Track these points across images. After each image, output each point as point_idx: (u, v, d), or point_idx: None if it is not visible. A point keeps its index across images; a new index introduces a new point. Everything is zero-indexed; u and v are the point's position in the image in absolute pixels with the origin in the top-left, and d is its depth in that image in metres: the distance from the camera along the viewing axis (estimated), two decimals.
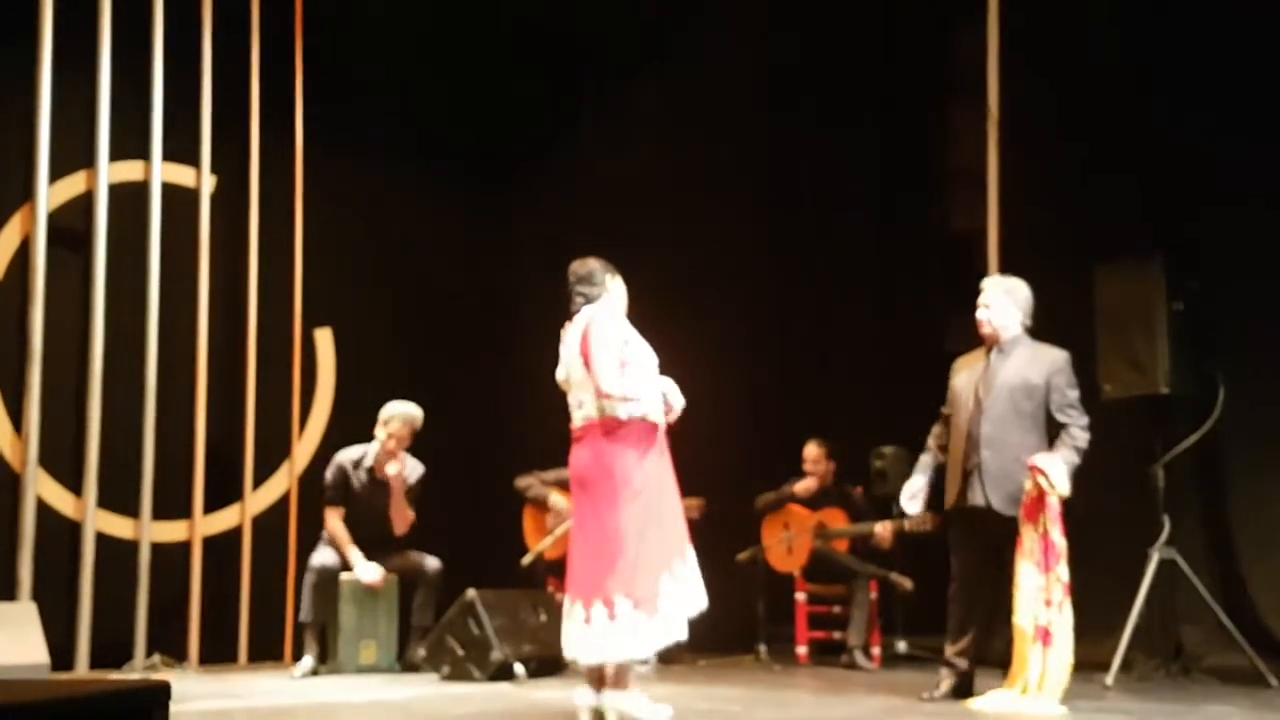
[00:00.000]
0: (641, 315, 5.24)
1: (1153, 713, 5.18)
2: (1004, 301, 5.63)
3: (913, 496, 5.83)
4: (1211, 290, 6.53)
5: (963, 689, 5.57)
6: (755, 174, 8.71)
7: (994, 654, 7.13)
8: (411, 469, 7.21)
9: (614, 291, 5.13)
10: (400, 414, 7.11)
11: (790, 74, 8.69)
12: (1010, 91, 7.64)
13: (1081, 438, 5.41)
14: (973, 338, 5.83)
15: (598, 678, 4.88)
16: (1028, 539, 5.25)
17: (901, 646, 7.72)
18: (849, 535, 7.62)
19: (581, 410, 4.97)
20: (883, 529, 7.38)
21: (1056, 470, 5.23)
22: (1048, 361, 5.53)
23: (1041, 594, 5.19)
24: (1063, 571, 5.20)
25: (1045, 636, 5.18)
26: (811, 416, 8.05)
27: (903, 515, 7.41)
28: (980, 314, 5.66)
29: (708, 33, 8.80)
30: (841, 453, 7.79)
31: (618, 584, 4.76)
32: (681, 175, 8.65)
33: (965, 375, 5.75)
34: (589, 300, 5.09)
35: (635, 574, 4.77)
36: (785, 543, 7.65)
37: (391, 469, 7.02)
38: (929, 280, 9.00)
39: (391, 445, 7.12)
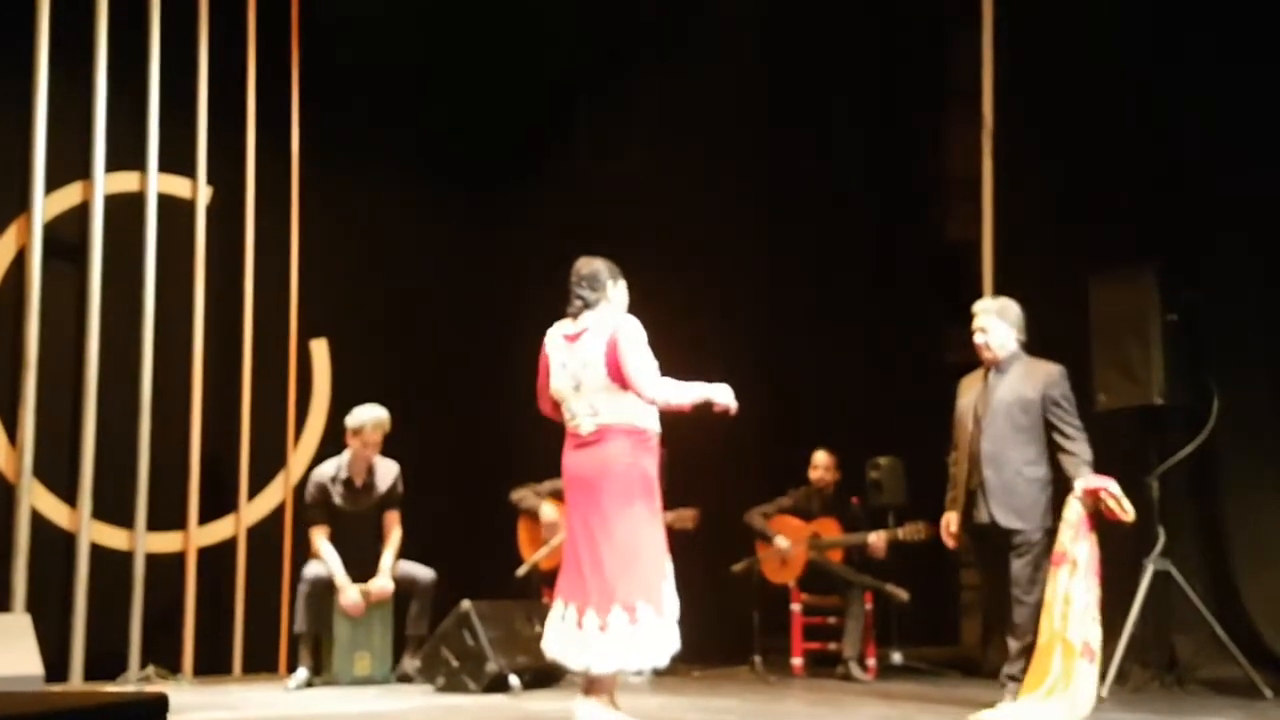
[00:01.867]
0: (646, 330, 5.26)
1: None
2: (997, 324, 5.71)
3: (953, 537, 5.85)
4: (1207, 301, 6.54)
5: None
6: (753, 183, 8.72)
7: (988, 664, 7.17)
8: (386, 471, 7.22)
9: (615, 298, 5.09)
10: (372, 419, 7.12)
11: (788, 82, 8.71)
12: (1005, 101, 7.66)
13: (1086, 450, 5.47)
14: (971, 348, 5.86)
15: (606, 688, 4.87)
16: (1082, 557, 5.28)
17: (897, 658, 7.73)
18: (843, 545, 7.63)
19: (596, 417, 4.94)
20: (876, 539, 7.40)
21: (1121, 493, 5.30)
22: (1043, 376, 5.61)
23: (1088, 612, 5.25)
24: (1098, 591, 5.30)
25: (1089, 654, 5.23)
26: (807, 427, 8.06)
27: (897, 525, 7.47)
28: (977, 338, 5.75)
29: (706, 40, 8.81)
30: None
31: (640, 589, 4.76)
32: (679, 183, 8.65)
33: (967, 397, 5.84)
34: (588, 305, 5.04)
35: (657, 580, 4.81)
36: (780, 554, 7.65)
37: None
38: (925, 290, 9.03)
39: (370, 452, 7.13)
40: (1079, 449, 5.46)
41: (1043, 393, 5.55)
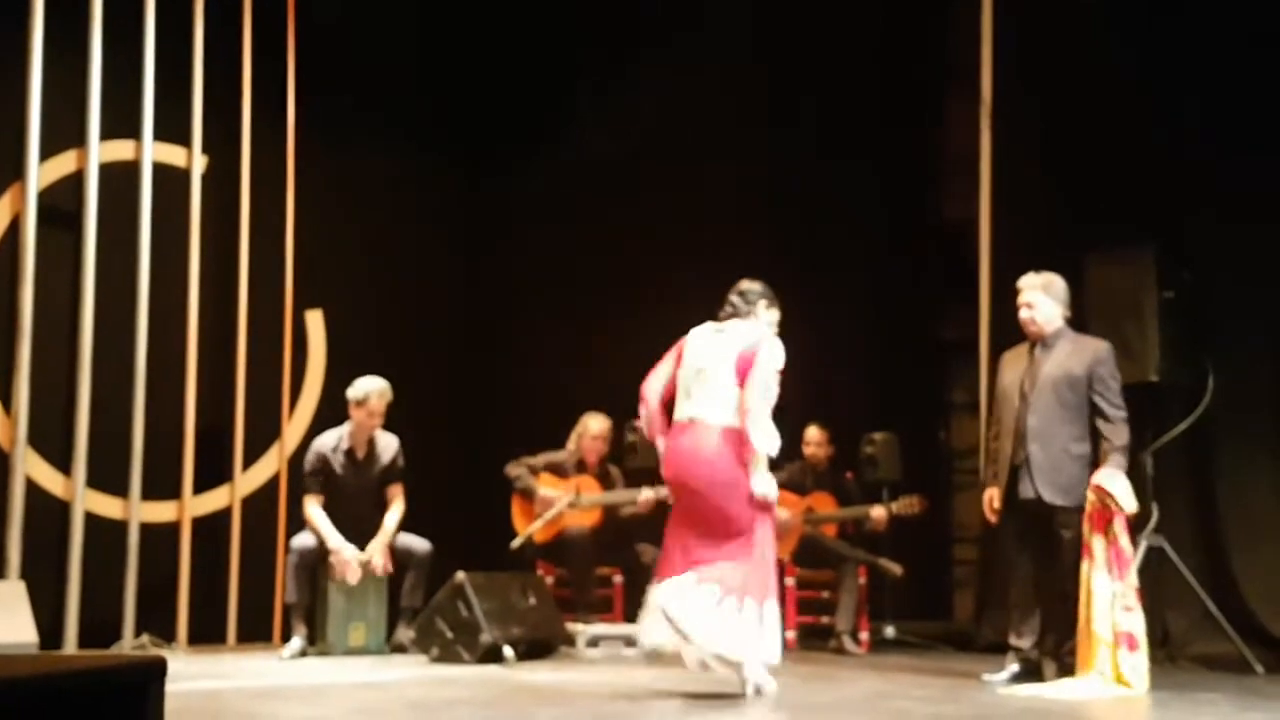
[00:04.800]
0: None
1: (1139, 699, 5.20)
2: (1043, 299, 5.73)
3: (995, 512, 5.87)
4: (1203, 279, 6.55)
5: (1030, 676, 5.61)
6: (751, 160, 8.69)
7: (981, 638, 7.19)
8: (386, 444, 7.23)
9: (764, 318, 5.28)
10: (376, 390, 7.12)
11: (786, 62, 8.68)
12: (1004, 79, 7.65)
13: (1122, 434, 5.52)
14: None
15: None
16: (1097, 549, 5.35)
17: (889, 631, 7.76)
18: (838, 520, 7.66)
19: (708, 409, 5.07)
20: (878, 513, 7.45)
21: (1121, 490, 5.35)
22: (1090, 352, 5.65)
23: (1118, 601, 5.29)
24: (1133, 578, 5.35)
25: (1130, 641, 5.27)
26: (804, 402, 8.05)
27: (891, 500, 7.51)
28: (1023, 314, 5.76)
29: (705, 23, 8.77)
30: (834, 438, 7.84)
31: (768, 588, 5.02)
32: (676, 159, 8.62)
33: (1011, 371, 5.86)
34: (736, 314, 5.26)
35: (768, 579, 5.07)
36: (779, 526, 7.65)
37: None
38: (922, 268, 9.03)
39: (375, 423, 7.13)
40: (1114, 434, 5.50)
41: (1089, 370, 5.60)
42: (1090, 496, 5.41)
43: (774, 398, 5.10)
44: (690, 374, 5.17)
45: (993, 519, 5.88)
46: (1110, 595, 5.29)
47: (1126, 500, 5.34)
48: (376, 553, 7.02)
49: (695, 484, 5.07)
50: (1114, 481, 5.37)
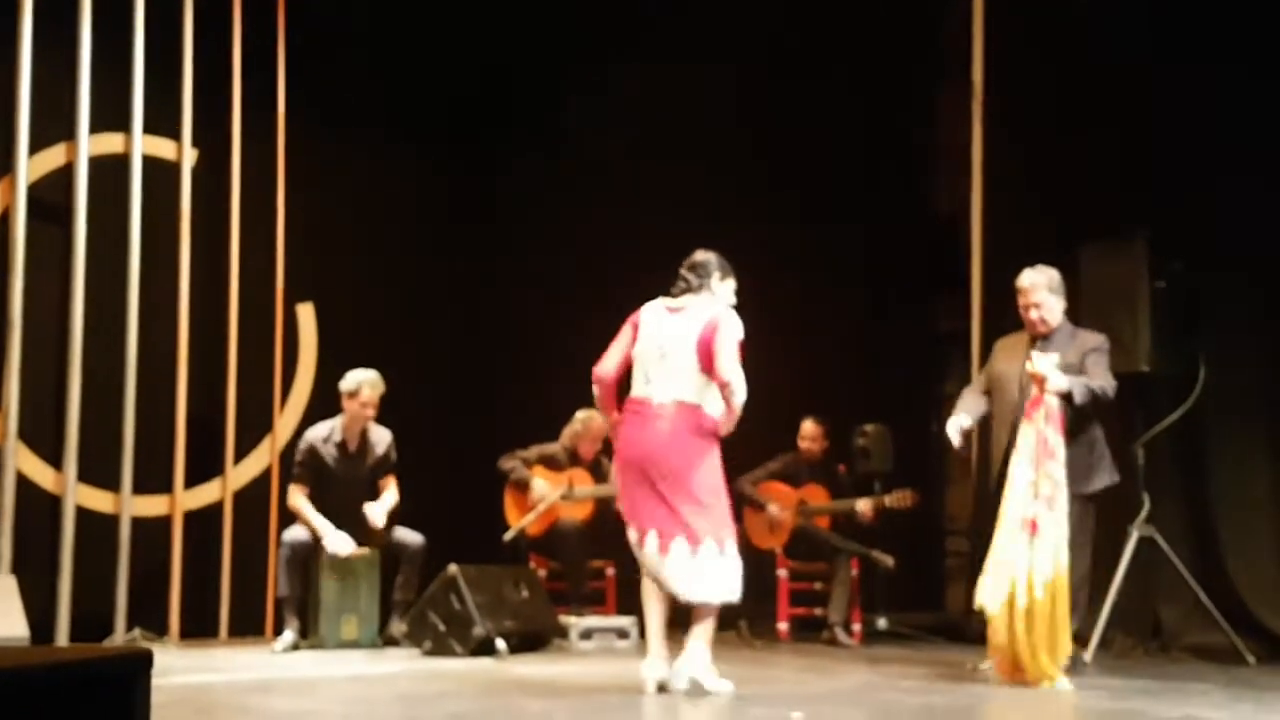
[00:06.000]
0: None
1: (1131, 690, 5.21)
2: (1049, 298, 5.74)
3: (959, 430, 5.81)
4: (1194, 270, 6.55)
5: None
6: (744, 158, 8.68)
7: (972, 630, 7.20)
8: (379, 437, 7.22)
9: (719, 293, 5.19)
10: (368, 381, 7.12)
11: (778, 54, 8.67)
12: (996, 71, 7.64)
13: (1100, 385, 5.52)
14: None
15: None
16: (1023, 437, 5.32)
17: (882, 623, 7.76)
18: (830, 512, 7.66)
19: (672, 392, 5.03)
20: (865, 505, 7.44)
21: (1051, 369, 5.32)
22: (1087, 345, 5.69)
23: (1031, 489, 5.21)
24: (1055, 470, 5.22)
25: (1032, 527, 5.17)
26: (795, 395, 8.06)
27: (884, 492, 7.52)
28: (1032, 314, 5.75)
29: (696, 17, 8.75)
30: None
31: (726, 530, 5.04)
32: (670, 159, 8.61)
33: (1006, 360, 5.85)
34: (690, 289, 5.17)
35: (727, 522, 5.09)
36: (769, 520, 7.67)
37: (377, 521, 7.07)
38: (913, 259, 9.03)
39: (369, 414, 7.12)
40: (1103, 383, 5.52)
41: (1084, 356, 5.63)
42: (1031, 390, 5.39)
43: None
44: (651, 356, 5.10)
45: (958, 441, 5.81)
46: (1025, 484, 5.23)
47: (1055, 377, 5.29)
48: (373, 511, 7.02)
49: (656, 461, 5.01)
50: (1045, 359, 5.35)
